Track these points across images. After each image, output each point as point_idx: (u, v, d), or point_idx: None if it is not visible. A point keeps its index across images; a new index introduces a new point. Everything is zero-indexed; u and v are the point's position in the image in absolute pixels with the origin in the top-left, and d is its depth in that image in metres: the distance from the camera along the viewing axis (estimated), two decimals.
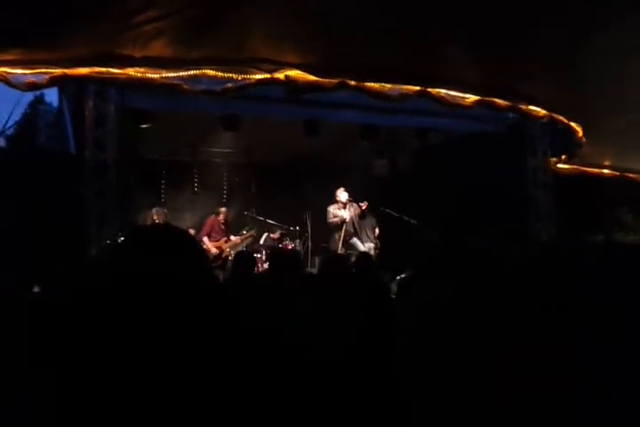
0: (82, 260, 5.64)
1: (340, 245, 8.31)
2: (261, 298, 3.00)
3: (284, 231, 10.12)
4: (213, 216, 9.26)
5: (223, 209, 9.32)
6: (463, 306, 1.13)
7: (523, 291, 1.65)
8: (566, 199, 8.55)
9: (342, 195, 8.52)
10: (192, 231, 9.52)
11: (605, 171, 10.18)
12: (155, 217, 8.93)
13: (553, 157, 8.77)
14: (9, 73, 5.58)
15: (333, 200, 8.58)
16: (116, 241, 5.77)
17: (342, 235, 8.34)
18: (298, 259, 4.10)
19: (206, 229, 9.16)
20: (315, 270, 8.04)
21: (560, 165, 9.27)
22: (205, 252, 1.48)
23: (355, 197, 8.60)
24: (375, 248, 8.79)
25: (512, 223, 7.90)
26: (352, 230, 8.51)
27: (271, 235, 9.95)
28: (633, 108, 7.40)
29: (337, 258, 4.04)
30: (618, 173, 10.22)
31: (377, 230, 9.16)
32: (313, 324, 2.28)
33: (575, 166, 9.69)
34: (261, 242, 9.90)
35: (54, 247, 5.56)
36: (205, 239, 9.00)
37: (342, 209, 8.48)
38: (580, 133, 8.49)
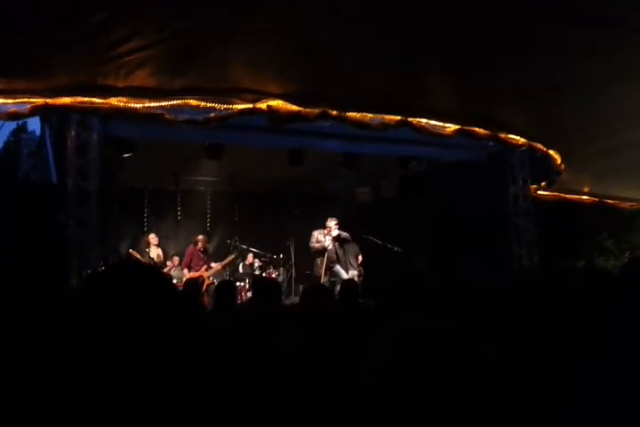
0: (62, 289, 5.55)
1: (324, 271, 8.29)
2: (245, 328, 2.97)
3: (265, 259, 10.08)
4: (192, 246, 9.21)
5: (201, 237, 9.27)
6: (443, 342, 1.12)
7: (506, 318, 1.65)
8: (547, 225, 8.64)
9: (331, 224, 8.51)
10: (176, 259, 9.48)
11: (584, 197, 10.33)
12: (152, 241, 8.90)
13: (533, 184, 8.89)
14: None
15: (322, 226, 8.59)
16: (96, 271, 5.71)
17: (325, 261, 8.33)
18: (279, 288, 4.08)
19: (186, 260, 9.12)
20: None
21: (540, 192, 9.39)
22: (175, 286, 1.47)
23: (339, 225, 8.59)
24: (359, 275, 8.77)
25: (494, 250, 7.95)
26: (335, 257, 8.50)
27: (246, 262, 9.91)
28: (608, 136, 7.53)
29: (318, 287, 4.02)
30: (597, 200, 10.37)
31: (360, 258, 9.16)
32: (298, 350, 2.25)
33: (555, 193, 9.82)
34: (240, 271, 9.85)
35: (35, 277, 5.48)
36: (185, 271, 8.94)
37: (326, 236, 8.48)
38: (559, 161, 8.62)
